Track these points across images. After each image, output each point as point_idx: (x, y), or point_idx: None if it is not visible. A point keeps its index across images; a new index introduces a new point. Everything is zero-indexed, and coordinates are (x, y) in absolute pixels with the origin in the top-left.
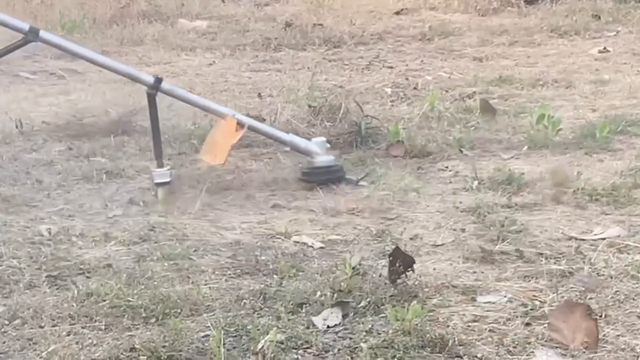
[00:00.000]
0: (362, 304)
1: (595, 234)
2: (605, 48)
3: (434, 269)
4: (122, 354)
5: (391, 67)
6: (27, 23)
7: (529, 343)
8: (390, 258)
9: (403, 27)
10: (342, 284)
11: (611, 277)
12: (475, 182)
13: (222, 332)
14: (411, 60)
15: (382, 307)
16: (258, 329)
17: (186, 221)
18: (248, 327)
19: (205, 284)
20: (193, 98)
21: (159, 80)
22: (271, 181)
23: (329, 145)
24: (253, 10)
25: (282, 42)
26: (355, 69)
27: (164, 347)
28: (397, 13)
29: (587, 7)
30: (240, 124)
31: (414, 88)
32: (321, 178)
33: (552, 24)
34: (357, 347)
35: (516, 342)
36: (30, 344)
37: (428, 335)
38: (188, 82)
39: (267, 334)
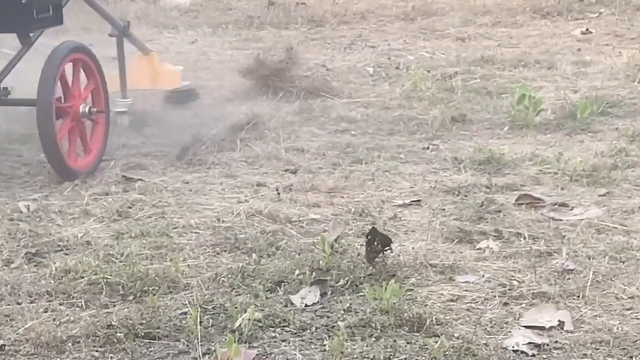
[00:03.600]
0: (341, 282)
1: (574, 215)
2: (587, 29)
3: (413, 248)
4: (99, 330)
5: (373, 47)
6: None
7: (507, 323)
8: (368, 237)
9: (386, 7)
10: (320, 262)
11: (589, 258)
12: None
13: (200, 309)
14: (393, 39)
15: (360, 285)
16: (236, 307)
17: (165, 199)
18: (226, 305)
19: (184, 262)
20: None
21: (128, 24)
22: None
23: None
24: None
25: (265, 21)
26: (338, 48)
27: (141, 324)
28: None
29: None
30: None
31: (396, 68)
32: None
33: (535, 5)
34: (334, 326)
35: (494, 322)
36: (7, 320)
37: (406, 314)
38: (170, 60)
39: (245, 312)
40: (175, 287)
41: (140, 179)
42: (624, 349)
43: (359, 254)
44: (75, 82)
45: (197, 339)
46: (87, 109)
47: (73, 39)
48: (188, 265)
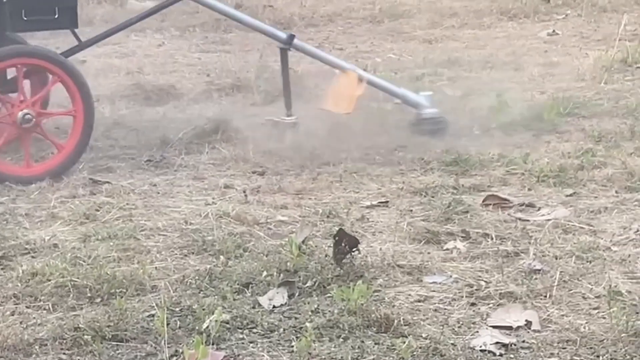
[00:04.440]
0: (308, 284)
1: (541, 215)
2: (554, 31)
3: (380, 249)
4: (66, 333)
5: (341, 49)
6: None
7: (474, 323)
8: (336, 238)
9: (353, 9)
10: (288, 263)
11: (556, 258)
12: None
13: (167, 311)
14: (361, 42)
15: (328, 287)
16: (203, 309)
17: (132, 201)
18: (193, 307)
19: (151, 264)
20: (321, 55)
21: (292, 36)
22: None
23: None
24: None
25: (232, 24)
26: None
27: (108, 326)
28: None
29: None
30: (360, 78)
31: (363, 70)
32: (426, 128)
33: (501, 7)
34: (302, 327)
35: (461, 322)
36: None
37: (373, 315)
38: (137, 63)
39: (213, 313)
40: (143, 290)
41: (107, 182)
42: (591, 348)
43: (326, 255)
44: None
45: (165, 341)
46: (23, 116)
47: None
48: (155, 267)
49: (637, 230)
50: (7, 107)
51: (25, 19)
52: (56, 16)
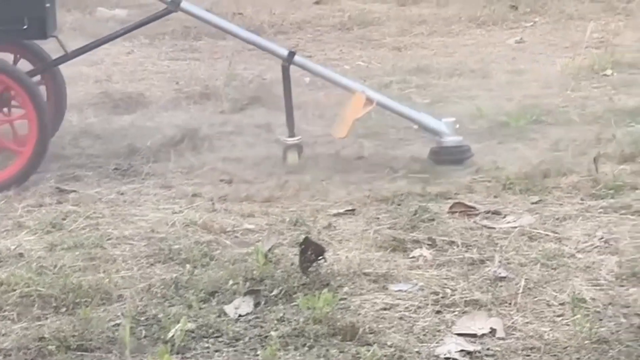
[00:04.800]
0: (274, 292)
1: (507, 223)
2: (522, 38)
3: (347, 257)
4: (31, 343)
5: (310, 57)
6: None
7: (439, 331)
8: (302, 247)
9: (323, 17)
10: (254, 272)
11: (521, 265)
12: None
13: (133, 321)
14: (330, 49)
15: (294, 295)
16: (169, 318)
17: (99, 210)
18: (159, 316)
19: (117, 273)
20: (324, 72)
21: (292, 53)
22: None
23: (457, 126)
24: None
25: (202, 31)
26: (275, 59)
27: (73, 336)
28: (317, 2)
29: None
30: (369, 100)
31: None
32: (449, 158)
33: (470, 15)
34: (268, 336)
35: (426, 330)
36: None
37: (339, 324)
38: (106, 71)
39: (178, 322)
40: (109, 299)
41: (74, 191)
42: (555, 355)
43: (292, 264)
44: None
45: (129, 350)
46: None
47: None
48: (121, 276)
49: (602, 238)
50: None
51: None
52: (25, 27)
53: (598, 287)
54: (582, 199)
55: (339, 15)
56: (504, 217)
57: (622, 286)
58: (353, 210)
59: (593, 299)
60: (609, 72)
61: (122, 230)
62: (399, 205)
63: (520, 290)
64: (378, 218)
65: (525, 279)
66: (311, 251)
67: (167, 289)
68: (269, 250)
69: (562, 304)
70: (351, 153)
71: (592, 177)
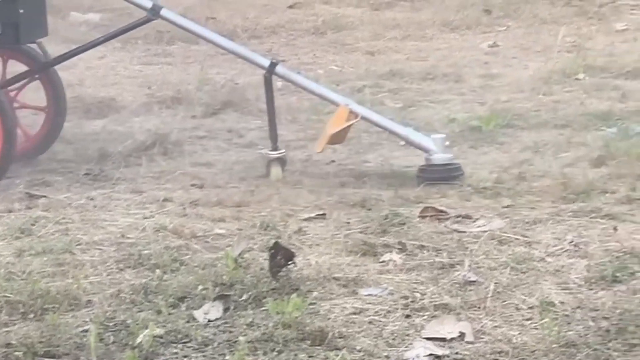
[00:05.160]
0: (244, 297)
1: (477, 227)
2: (495, 43)
3: (317, 261)
4: None
5: (283, 61)
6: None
7: (408, 335)
8: (271, 251)
9: (296, 21)
10: (224, 277)
11: (491, 269)
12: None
13: (101, 326)
14: (303, 53)
15: (263, 300)
16: (137, 324)
17: (69, 215)
18: (127, 322)
19: (86, 279)
20: (307, 84)
21: (273, 64)
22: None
23: (447, 143)
24: None
25: (175, 36)
26: (247, 63)
27: (40, 342)
28: (291, 7)
29: (479, 2)
30: (353, 113)
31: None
32: (437, 176)
33: (443, 19)
34: (236, 341)
35: (395, 334)
36: None
37: (308, 328)
38: (78, 75)
39: (146, 328)
40: (77, 304)
41: (44, 196)
42: (523, 358)
43: (262, 269)
44: None
45: (97, 356)
46: None
47: None
48: (90, 282)
49: (572, 241)
50: None
51: None
52: None
53: (567, 291)
54: (552, 203)
55: (312, 19)
56: (475, 221)
57: (591, 289)
58: (324, 214)
59: (562, 303)
60: (580, 76)
61: (91, 236)
62: (369, 209)
63: (490, 294)
64: (349, 222)
65: (495, 283)
66: (281, 256)
67: (136, 294)
68: (239, 255)
69: (531, 308)
70: (322, 157)
71: (563, 181)
